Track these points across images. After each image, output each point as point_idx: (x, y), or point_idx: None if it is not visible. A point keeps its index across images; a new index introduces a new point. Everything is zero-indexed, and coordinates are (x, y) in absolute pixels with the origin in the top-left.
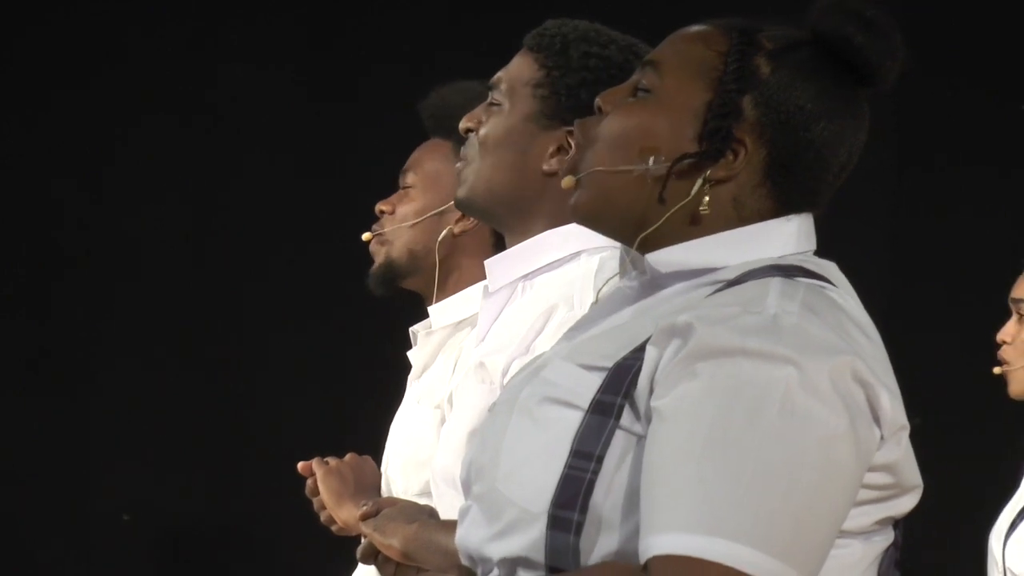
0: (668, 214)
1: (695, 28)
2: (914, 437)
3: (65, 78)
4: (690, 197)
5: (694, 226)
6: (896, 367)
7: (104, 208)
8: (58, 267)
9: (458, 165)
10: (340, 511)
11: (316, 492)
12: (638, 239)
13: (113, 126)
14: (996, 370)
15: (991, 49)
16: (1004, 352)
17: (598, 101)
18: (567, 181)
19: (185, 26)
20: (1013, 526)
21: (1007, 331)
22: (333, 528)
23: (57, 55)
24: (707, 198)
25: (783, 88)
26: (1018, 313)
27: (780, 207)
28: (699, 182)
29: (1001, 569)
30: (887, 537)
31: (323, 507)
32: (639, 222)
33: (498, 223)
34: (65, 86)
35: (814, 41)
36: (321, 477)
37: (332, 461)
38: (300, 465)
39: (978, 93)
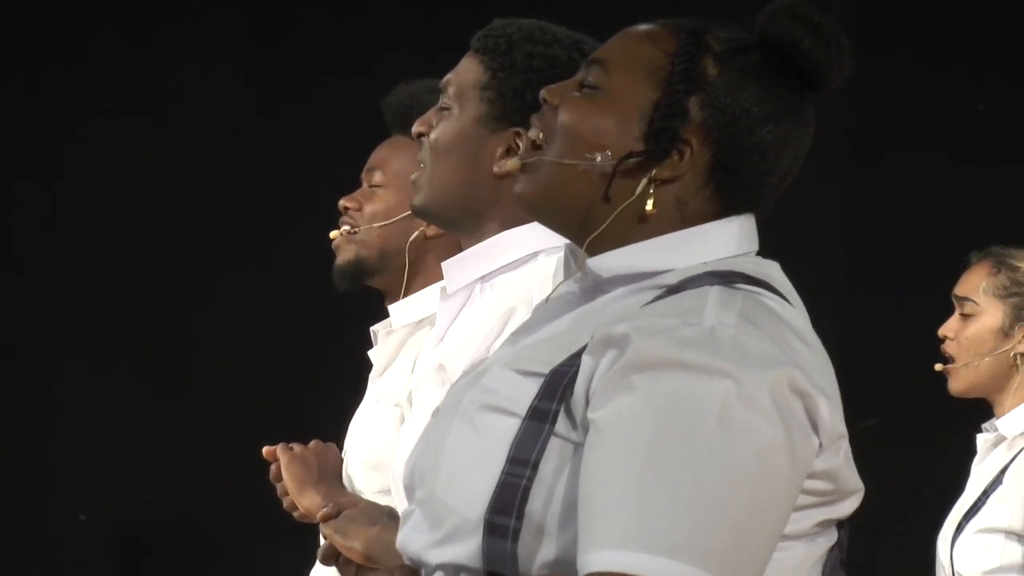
0: (614, 214)
1: (643, 27)
2: (870, 437)
3: (16, 80)
4: (635, 196)
5: (639, 225)
6: (850, 366)
7: (58, 209)
8: (13, 268)
9: (414, 175)
10: (302, 498)
11: (280, 478)
12: (587, 240)
13: (65, 128)
14: (938, 367)
15: (943, 42)
16: (947, 347)
17: (543, 94)
18: (512, 163)
19: (138, 27)
20: (960, 528)
21: (949, 327)
22: (295, 514)
23: (7, 57)
24: (651, 198)
25: (730, 90)
26: (961, 310)
27: (723, 209)
28: (644, 181)
29: (949, 572)
30: (830, 538)
31: (286, 493)
32: (584, 218)
33: (454, 227)
34: (15, 88)
35: (762, 45)
36: (285, 464)
37: (297, 448)
38: (265, 450)
39: (930, 86)
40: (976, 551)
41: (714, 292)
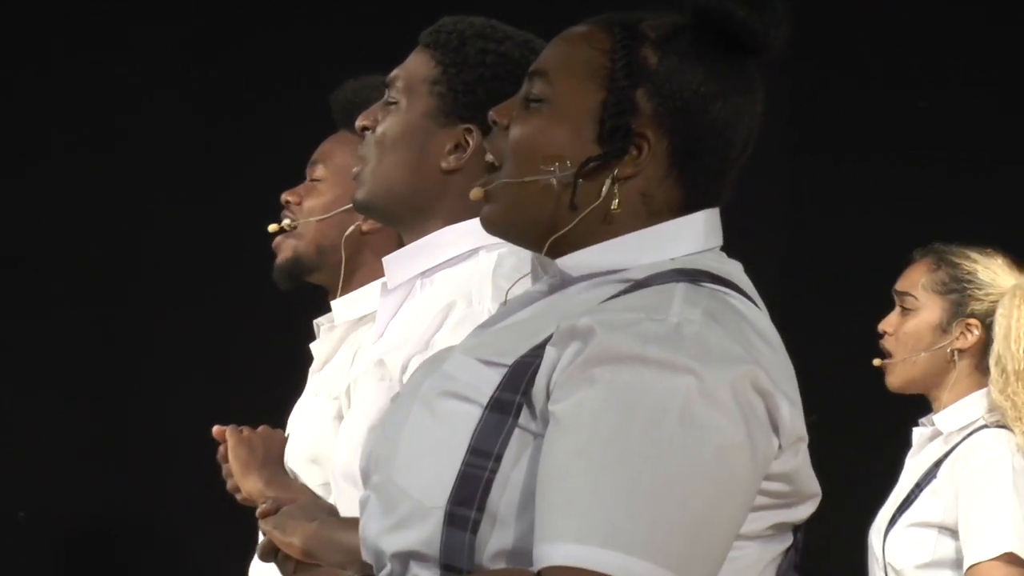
0: (579, 218)
1: (576, 30)
2: (811, 432)
3: None
4: (600, 199)
5: (607, 225)
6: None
7: None
8: None
9: (355, 170)
10: (245, 481)
11: (227, 459)
12: (547, 244)
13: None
14: (876, 362)
15: (884, 43)
16: (886, 342)
17: (492, 115)
18: (475, 192)
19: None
20: (892, 521)
21: (889, 322)
22: (237, 497)
23: None
24: (617, 198)
25: (674, 75)
26: (901, 305)
27: (688, 194)
28: (607, 183)
29: (882, 564)
30: (785, 541)
31: (231, 475)
32: (550, 228)
33: (396, 222)
34: None
35: (696, 23)
36: (232, 446)
37: (245, 431)
38: (215, 429)
39: (871, 86)
40: (909, 545)
41: (680, 289)
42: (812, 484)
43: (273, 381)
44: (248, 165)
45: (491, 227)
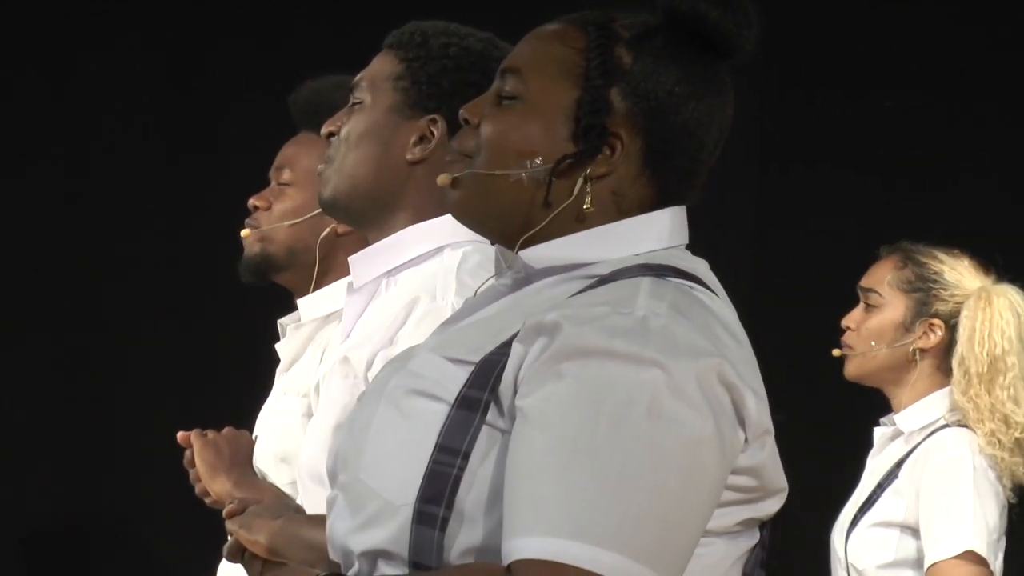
0: (552, 215)
1: (550, 27)
2: (777, 434)
3: None
4: (573, 197)
5: (579, 223)
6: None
7: None
8: None
9: (320, 167)
10: (214, 484)
11: (193, 464)
12: (520, 240)
13: None
14: (835, 352)
15: (849, 53)
16: (847, 338)
17: (463, 113)
18: (443, 178)
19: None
20: (854, 521)
21: (852, 317)
22: (207, 500)
23: None
24: (589, 196)
25: (648, 75)
26: (866, 301)
27: (659, 194)
28: (580, 181)
29: (844, 565)
30: (752, 537)
31: (198, 479)
32: (523, 225)
33: (362, 220)
34: None
35: (669, 24)
36: (198, 449)
37: (210, 434)
38: (179, 435)
39: (836, 96)
40: (871, 545)
41: (646, 283)
42: (779, 478)
43: (240, 383)
44: (219, 178)
45: (458, 213)
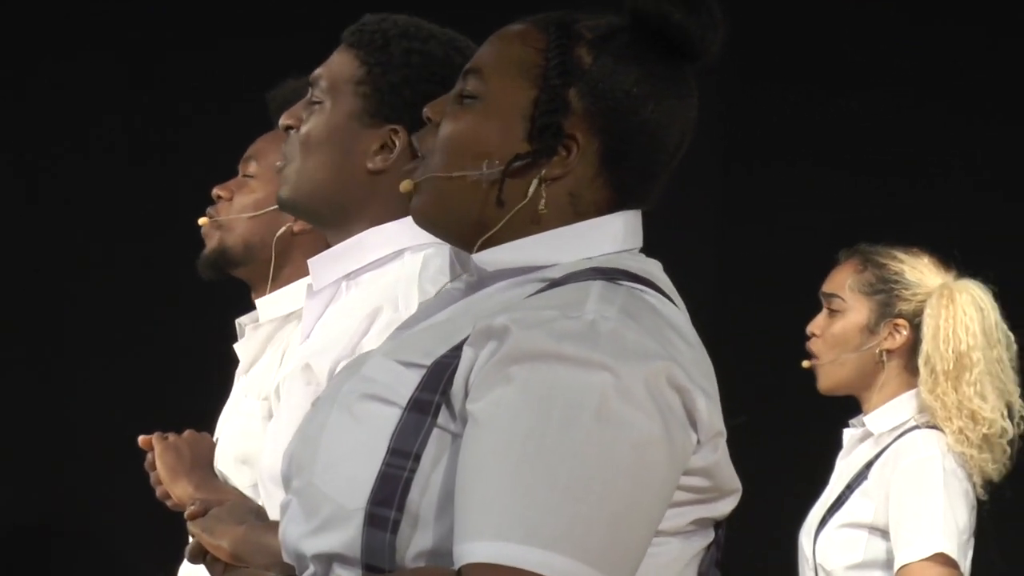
0: (507, 217)
1: (512, 28)
2: (738, 435)
3: None
4: (527, 199)
5: (534, 225)
6: (720, 367)
7: None
8: None
9: (278, 164)
10: (175, 487)
11: (154, 467)
12: (478, 243)
13: None
14: (805, 364)
15: (813, 51)
16: (813, 344)
17: (426, 112)
18: (404, 185)
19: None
20: (823, 522)
21: (817, 324)
22: (168, 503)
23: None
24: (544, 198)
25: (607, 75)
26: (829, 307)
27: (617, 196)
28: (535, 183)
29: (812, 565)
30: (706, 537)
31: (159, 482)
32: (479, 226)
33: (321, 222)
34: None
35: (633, 25)
36: (159, 452)
37: (171, 436)
38: (141, 439)
39: (800, 95)
40: (840, 546)
41: (596, 287)
42: (732, 480)
43: (200, 384)
44: (180, 179)
45: (420, 220)
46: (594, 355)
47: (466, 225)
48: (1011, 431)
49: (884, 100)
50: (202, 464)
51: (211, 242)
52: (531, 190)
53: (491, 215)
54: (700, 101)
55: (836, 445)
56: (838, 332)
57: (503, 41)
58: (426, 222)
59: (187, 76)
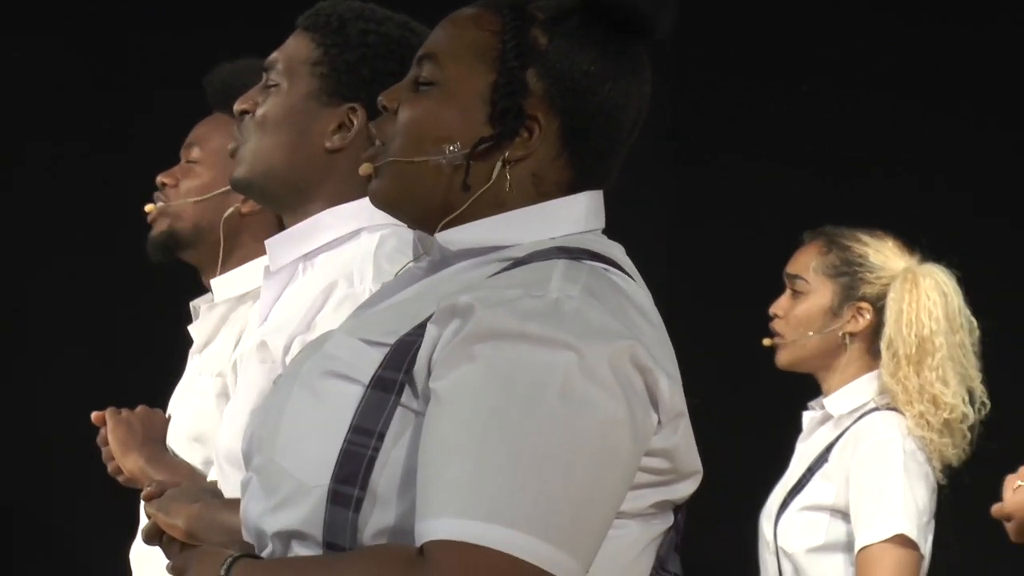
0: (471, 200)
1: (464, 12)
2: (696, 418)
3: None
4: (492, 181)
5: (497, 207)
6: (676, 345)
7: None
8: None
9: (231, 146)
10: (126, 460)
11: (107, 442)
12: (440, 225)
13: None
14: (766, 341)
15: (765, 45)
16: (776, 325)
17: (381, 100)
18: (364, 168)
19: None
20: (784, 505)
21: (780, 305)
22: (120, 479)
23: None
24: (508, 180)
25: (564, 56)
26: (792, 288)
27: (578, 175)
28: (499, 165)
29: (773, 549)
30: (666, 520)
31: (111, 458)
32: (442, 209)
33: (276, 203)
34: None
35: (585, 5)
36: (111, 427)
37: (124, 412)
38: (94, 415)
39: (750, 85)
40: (801, 528)
41: (560, 266)
42: (693, 461)
43: (152, 366)
44: (134, 164)
45: (379, 203)
46: (558, 334)
47: (429, 208)
48: (972, 416)
49: (837, 91)
50: (154, 439)
51: (159, 226)
52: (495, 173)
53: (455, 198)
54: (653, 89)
55: (796, 428)
56: (801, 314)
57: (456, 25)
58: (386, 205)
59: (141, 68)
